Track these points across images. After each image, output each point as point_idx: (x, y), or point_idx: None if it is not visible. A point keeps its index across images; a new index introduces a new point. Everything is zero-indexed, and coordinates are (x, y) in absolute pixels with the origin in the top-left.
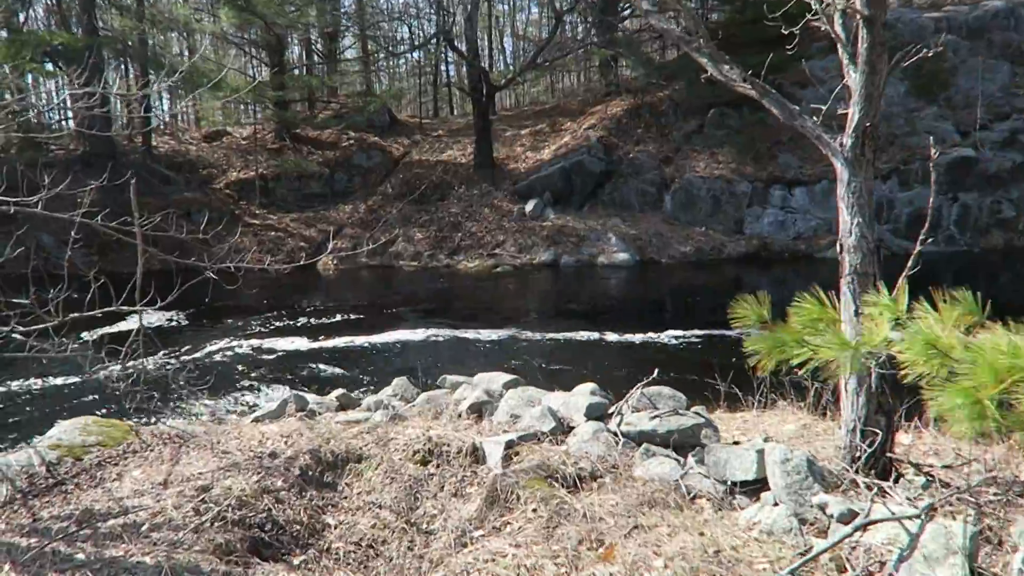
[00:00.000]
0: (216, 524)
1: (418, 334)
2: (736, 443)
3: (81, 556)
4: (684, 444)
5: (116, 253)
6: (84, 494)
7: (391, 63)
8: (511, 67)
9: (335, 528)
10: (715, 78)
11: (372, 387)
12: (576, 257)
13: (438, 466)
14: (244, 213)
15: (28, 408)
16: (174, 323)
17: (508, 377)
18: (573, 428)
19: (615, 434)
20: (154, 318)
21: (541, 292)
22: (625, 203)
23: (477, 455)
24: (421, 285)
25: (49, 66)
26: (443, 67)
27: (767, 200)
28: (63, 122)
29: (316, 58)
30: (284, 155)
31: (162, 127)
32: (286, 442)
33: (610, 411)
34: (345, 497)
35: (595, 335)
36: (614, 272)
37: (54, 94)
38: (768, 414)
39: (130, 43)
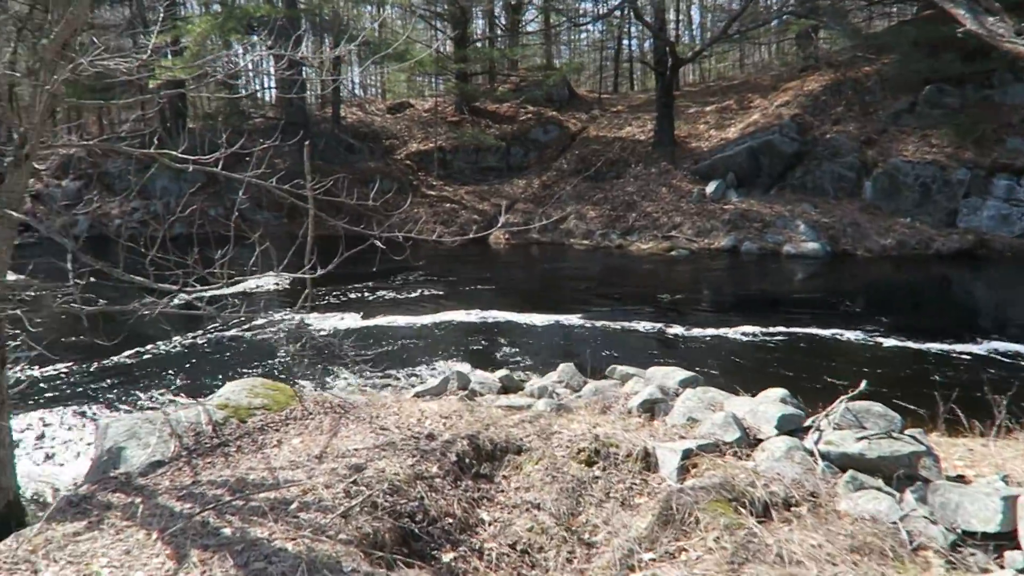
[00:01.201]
0: (365, 510)
1: (587, 317)
2: (960, 477)
3: (227, 532)
4: (898, 475)
5: (304, 217)
6: (244, 458)
7: (572, 36)
8: (698, 39)
9: (489, 525)
10: (974, 32)
11: (537, 369)
12: (759, 244)
13: (604, 469)
14: (422, 184)
15: (207, 362)
16: (345, 289)
17: (685, 374)
18: (761, 441)
19: (812, 454)
20: (326, 283)
21: (719, 279)
22: (818, 188)
23: (648, 461)
24: (592, 264)
25: (255, 38)
26: (625, 41)
27: (988, 190)
28: (266, 90)
29: (498, 30)
30: (463, 127)
31: (351, 98)
32: (444, 424)
33: (805, 424)
34: (502, 491)
35: (780, 332)
36: (801, 262)
37: (260, 63)
38: (1000, 444)
39: (327, 15)
